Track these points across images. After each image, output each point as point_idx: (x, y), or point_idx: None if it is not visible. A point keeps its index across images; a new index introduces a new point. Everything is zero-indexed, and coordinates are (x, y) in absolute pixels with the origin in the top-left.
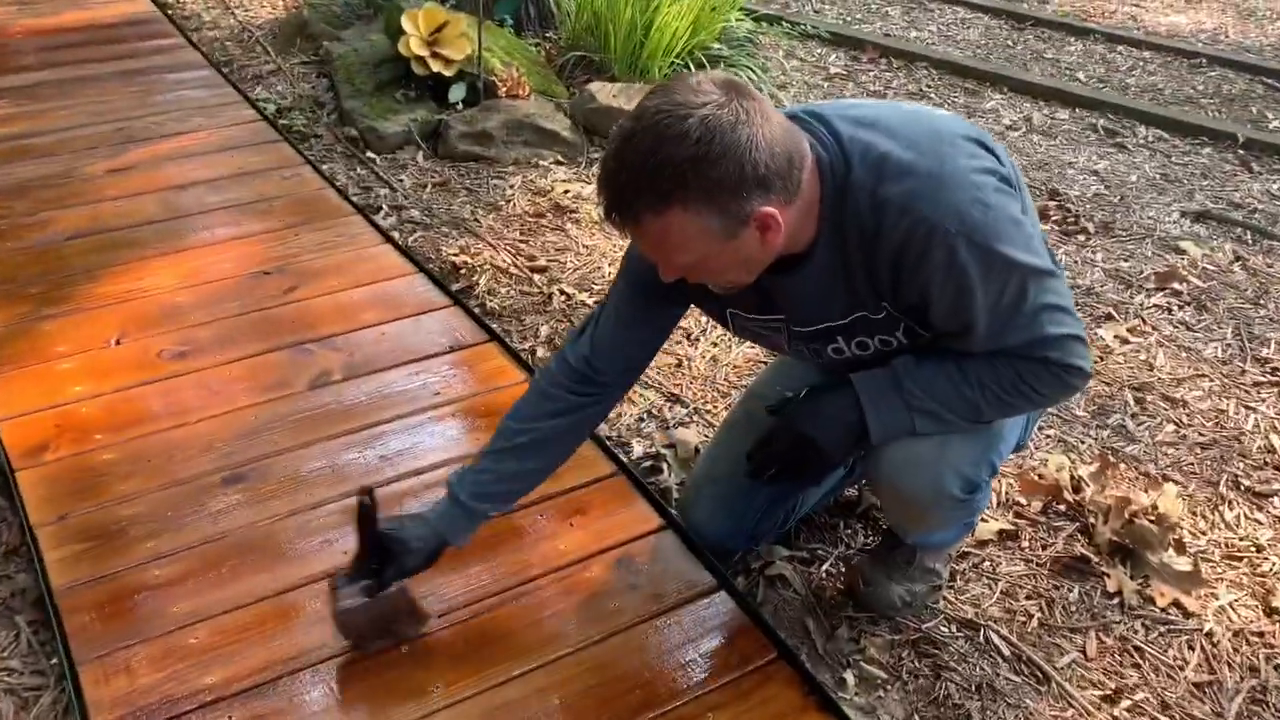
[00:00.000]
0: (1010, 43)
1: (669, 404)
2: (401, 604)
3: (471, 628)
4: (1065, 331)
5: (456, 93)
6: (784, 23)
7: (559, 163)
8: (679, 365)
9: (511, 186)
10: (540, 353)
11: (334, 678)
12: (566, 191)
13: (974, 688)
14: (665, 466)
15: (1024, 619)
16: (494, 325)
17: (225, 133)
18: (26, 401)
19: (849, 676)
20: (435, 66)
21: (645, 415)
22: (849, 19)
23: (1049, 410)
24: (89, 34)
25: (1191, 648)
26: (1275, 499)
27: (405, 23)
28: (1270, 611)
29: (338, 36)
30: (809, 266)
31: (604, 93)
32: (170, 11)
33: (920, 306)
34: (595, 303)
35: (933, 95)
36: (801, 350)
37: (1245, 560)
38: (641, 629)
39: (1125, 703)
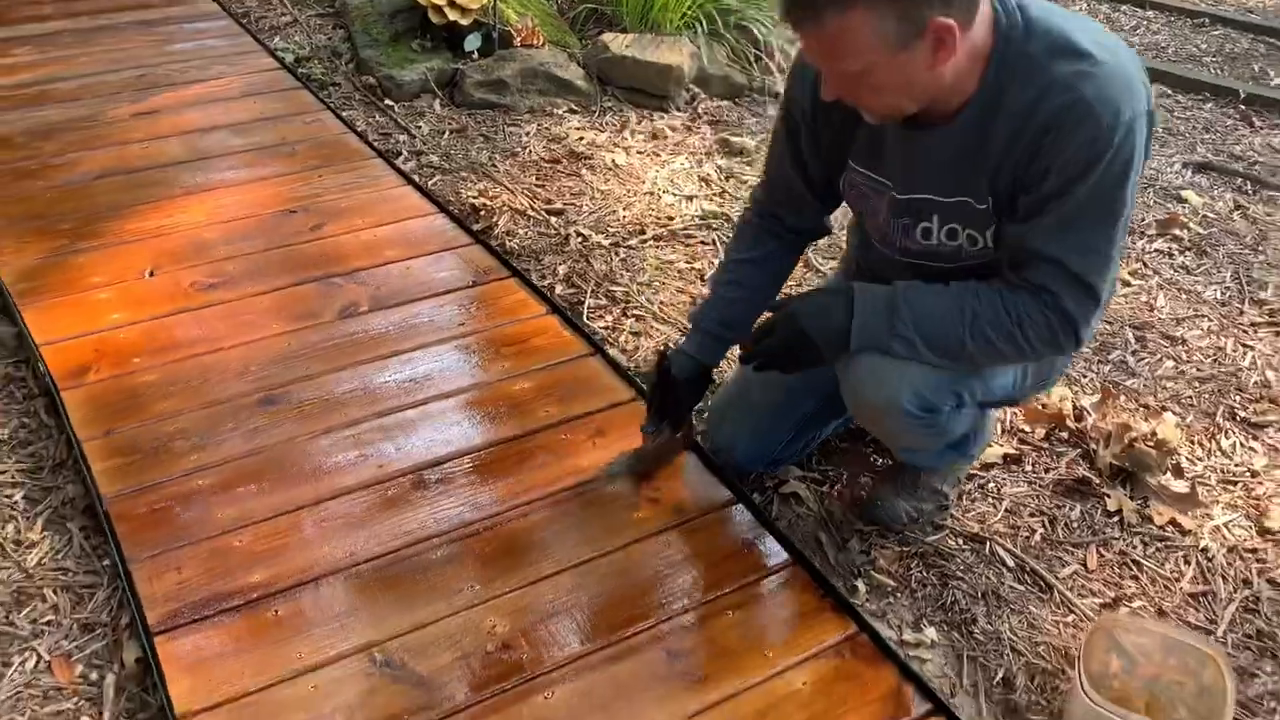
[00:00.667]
0: None
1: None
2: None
3: (502, 534)
4: (1094, 286)
5: (472, 42)
6: None
7: (573, 111)
8: (694, 304)
9: (527, 133)
10: (559, 289)
11: (372, 579)
12: (581, 138)
13: (980, 595)
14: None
15: (1027, 534)
16: (514, 263)
17: (245, 80)
18: (67, 328)
19: (860, 585)
20: (452, 15)
21: (666, 345)
22: None
23: (1059, 378)
24: None
25: (1187, 562)
26: (1270, 429)
27: None
28: (1263, 531)
29: None
30: (951, 128)
31: (616, 43)
32: None
33: (1025, 189)
34: (610, 244)
35: None
36: (892, 226)
37: (1240, 484)
38: (664, 537)
39: (1123, 610)
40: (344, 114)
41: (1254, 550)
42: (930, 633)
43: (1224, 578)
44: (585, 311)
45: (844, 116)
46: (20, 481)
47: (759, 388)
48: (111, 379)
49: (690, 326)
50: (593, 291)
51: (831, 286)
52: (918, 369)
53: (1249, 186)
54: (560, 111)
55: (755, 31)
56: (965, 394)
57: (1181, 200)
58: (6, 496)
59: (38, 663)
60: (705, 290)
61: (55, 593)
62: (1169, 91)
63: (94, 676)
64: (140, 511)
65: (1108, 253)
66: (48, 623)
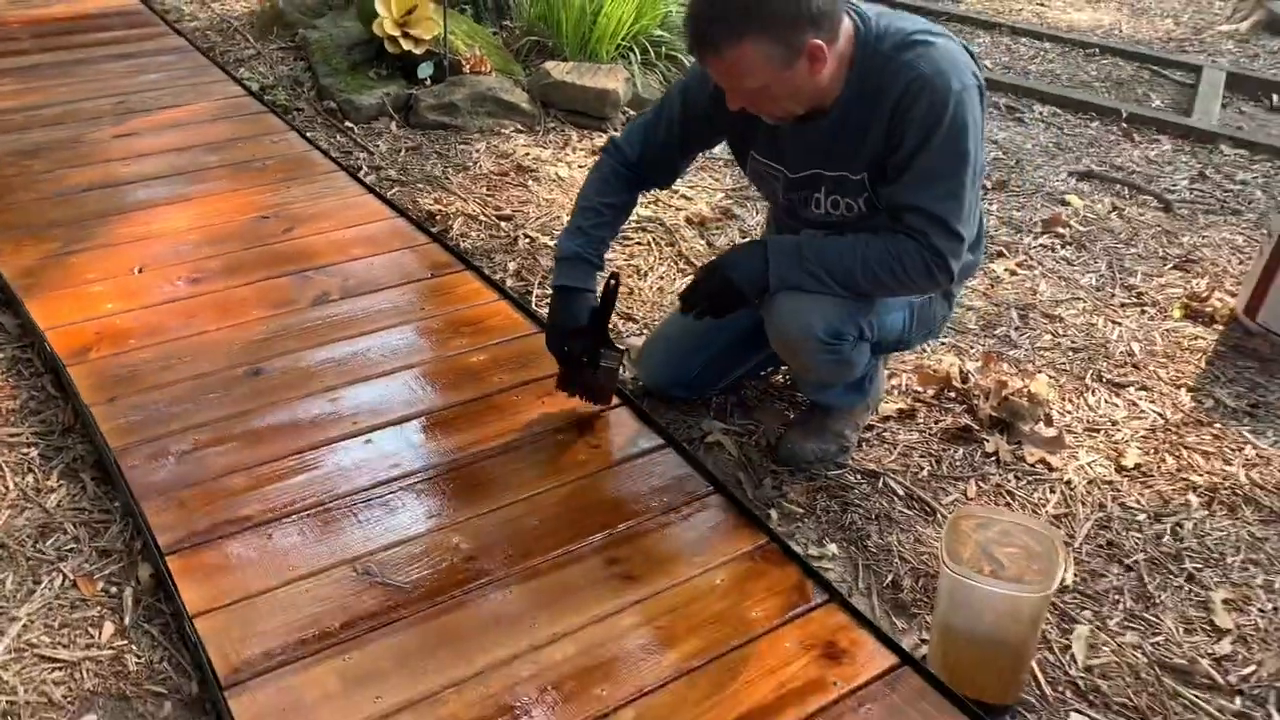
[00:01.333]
0: None
1: (624, 321)
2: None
3: (463, 475)
4: (954, 226)
5: (425, 69)
6: None
7: (519, 130)
8: (632, 293)
9: (477, 150)
10: (510, 283)
11: (350, 510)
12: (527, 154)
13: (874, 517)
14: (622, 366)
15: (916, 470)
16: (468, 259)
17: (215, 105)
18: (67, 315)
19: (773, 513)
20: (406, 46)
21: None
22: None
23: (942, 327)
24: (79, 23)
25: (1053, 491)
26: (1130, 388)
27: (379, 6)
28: (1120, 469)
29: (312, 24)
30: (829, 117)
31: (558, 70)
32: (153, 5)
33: (888, 157)
34: (553, 243)
35: None
36: (790, 200)
37: (1102, 432)
38: (604, 474)
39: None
40: (308, 134)
41: (1110, 482)
42: (832, 548)
43: (1083, 503)
44: (533, 300)
45: (745, 119)
46: (34, 442)
47: (677, 325)
48: (111, 356)
49: (570, 260)
50: (539, 283)
51: (746, 243)
52: (828, 303)
53: (1126, 191)
54: (507, 131)
55: (683, 60)
56: (865, 326)
57: (1065, 203)
58: (24, 453)
59: (64, 581)
60: (575, 224)
61: (74, 526)
62: (1059, 112)
63: (113, 590)
64: (145, 460)
65: (961, 197)
66: (70, 550)
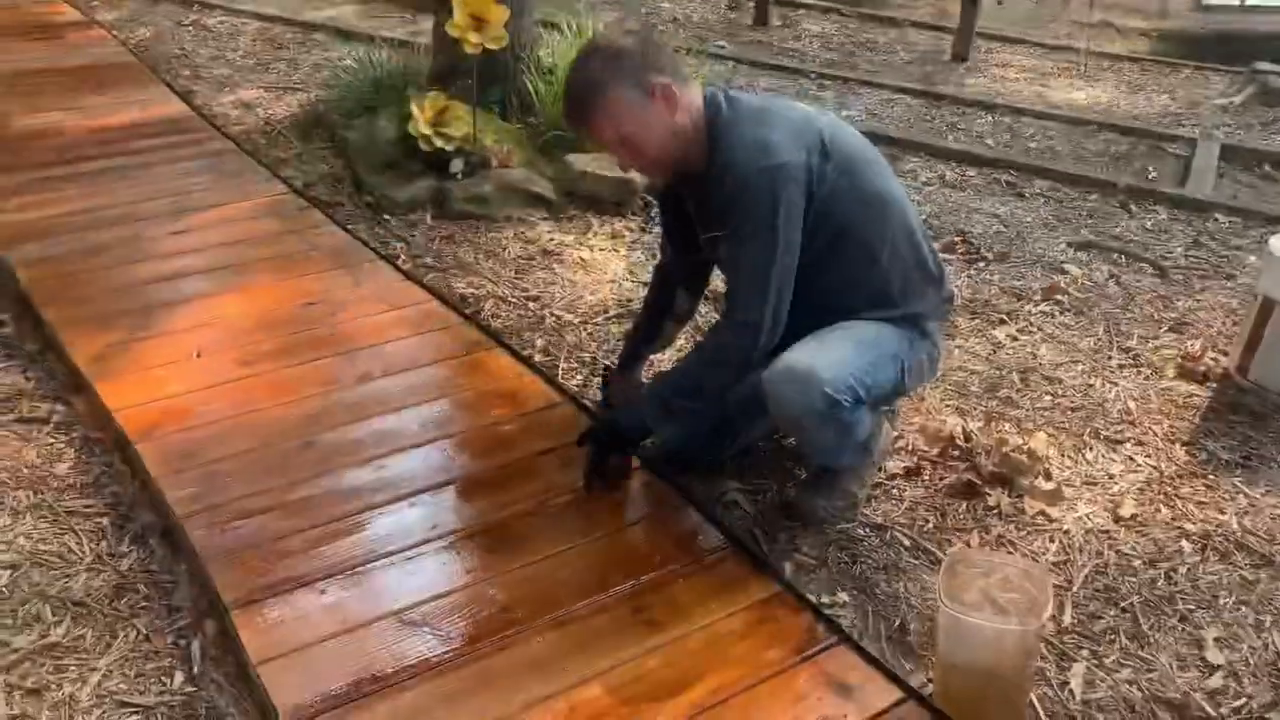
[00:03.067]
0: (928, 118)
1: None
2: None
3: (496, 532)
4: (749, 314)
5: (456, 164)
6: None
7: (544, 218)
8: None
9: (506, 238)
10: (538, 359)
11: (397, 567)
12: (552, 239)
13: (882, 567)
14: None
15: (922, 523)
16: (499, 338)
17: (262, 202)
18: (135, 398)
19: (787, 565)
20: (439, 143)
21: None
22: None
23: (937, 365)
24: (136, 130)
25: (1052, 541)
26: (1127, 444)
27: (414, 108)
28: (1117, 519)
29: (350, 125)
30: (703, 185)
31: (580, 161)
32: (202, 112)
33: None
34: (580, 321)
35: None
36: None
37: (1100, 485)
38: (627, 530)
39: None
40: (348, 227)
41: (1107, 531)
42: (843, 596)
43: (1081, 551)
44: (560, 373)
45: (678, 201)
46: (106, 512)
47: None
48: (174, 433)
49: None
50: (565, 358)
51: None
52: (821, 373)
53: (1123, 260)
54: (533, 219)
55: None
56: (860, 390)
57: (1064, 272)
58: (97, 523)
59: (138, 635)
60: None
61: (145, 586)
62: (1059, 186)
63: (182, 643)
64: (209, 526)
65: (763, 285)
66: (143, 608)
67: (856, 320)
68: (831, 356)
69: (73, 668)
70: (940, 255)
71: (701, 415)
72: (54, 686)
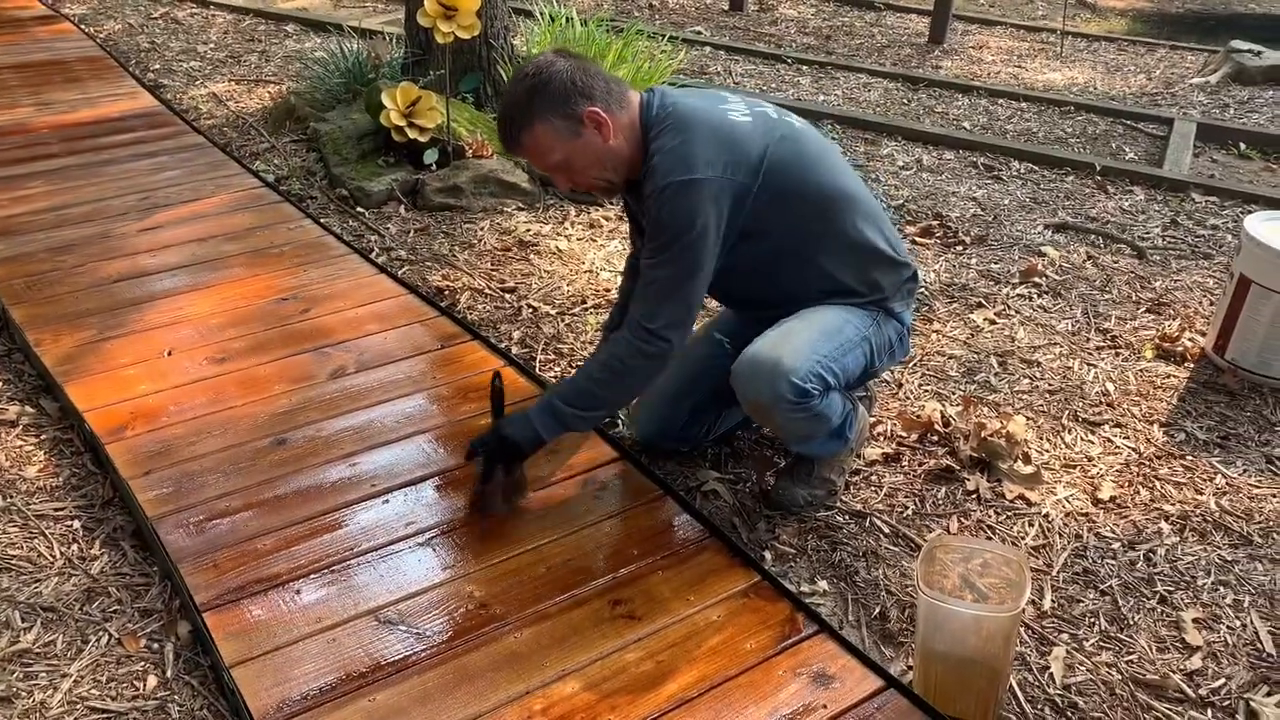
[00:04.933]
0: (906, 101)
1: None
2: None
3: (474, 528)
4: (654, 324)
5: (430, 155)
6: None
7: (520, 208)
8: None
9: (481, 229)
10: (515, 351)
11: (373, 564)
12: (529, 230)
13: (862, 554)
14: (620, 420)
15: (901, 509)
16: (475, 330)
17: (234, 196)
18: (105, 397)
19: (766, 554)
20: (412, 134)
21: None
22: (764, 88)
23: (906, 343)
24: (103, 126)
25: (1031, 525)
26: (1105, 426)
27: (385, 99)
28: (1096, 501)
29: (322, 118)
30: (642, 194)
31: None
32: (172, 106)
33: None
34: (557, 313)
35: (836, 143)
36: None
37: (1079, 468)
38: (606, 523)
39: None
40: (322, 220)
41: (1086, 514)
42: (822, 584)
43: (1060, 534)
44: (538, 365)
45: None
46: (77, 514)
47: (656, 385)
48: (146, 433)
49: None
50: (543, 349)
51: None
52: (786, 360)
53: (1101, 241)
54: (509, 210)
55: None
56: (829, 377)
57: (1041, 254)
58: (68, 525)
59: (109, 639)
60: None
61: (117, 589)
62: (1036, 168)
63: (155, 646)
64: (181, 526)
65: (668, 298)
66: (114, 611)
67: (820, 306)
68: (796, 345)
69: (43, 674)
70: (915, 239)
71: (596, 424)
72: (24, 694)
